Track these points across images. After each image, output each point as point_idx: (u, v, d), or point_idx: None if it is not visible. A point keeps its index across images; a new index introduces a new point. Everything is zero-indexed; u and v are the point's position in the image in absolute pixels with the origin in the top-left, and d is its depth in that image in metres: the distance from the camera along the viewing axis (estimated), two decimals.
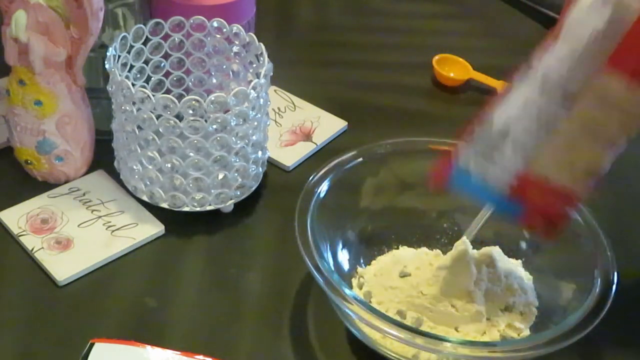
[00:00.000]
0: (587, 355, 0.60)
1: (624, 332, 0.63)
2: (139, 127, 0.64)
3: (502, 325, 0.57)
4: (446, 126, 0.83)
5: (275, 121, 0.80)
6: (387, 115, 0.84)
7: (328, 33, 0.96)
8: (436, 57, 0.89)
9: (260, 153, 0.68)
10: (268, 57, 0.66)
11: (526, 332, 0.58)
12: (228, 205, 0.68)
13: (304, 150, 0.76)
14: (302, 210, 0.58)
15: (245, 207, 0.69)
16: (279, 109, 0.81)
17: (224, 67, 0.73)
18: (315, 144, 0.77)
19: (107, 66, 0.64)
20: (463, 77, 0.89)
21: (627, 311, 0.63)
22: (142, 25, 0.68)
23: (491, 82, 0.88)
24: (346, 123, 0.80)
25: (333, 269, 0.57)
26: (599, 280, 0.55)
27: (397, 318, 0.57)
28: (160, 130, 0.62)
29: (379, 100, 0.86)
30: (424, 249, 0.64)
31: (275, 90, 0.83)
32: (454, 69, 0.89)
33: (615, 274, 0.56)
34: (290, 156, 0.75)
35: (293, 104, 0.82)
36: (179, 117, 0.62)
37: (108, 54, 0.64)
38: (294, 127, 0.79)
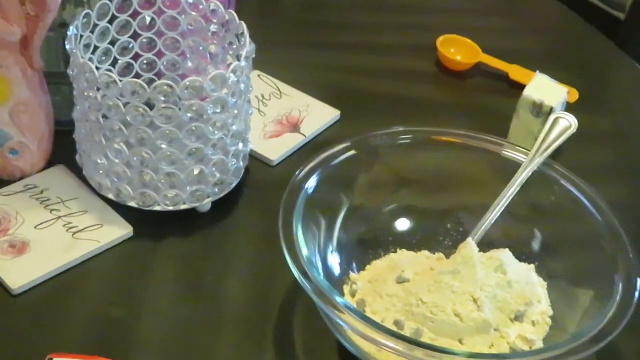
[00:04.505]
0: None
1: None
2: (104, 116, 0.64)
3: (512, 337, 0.58)
4: (452, 115, 0.85)
5: (259, 110, 0.81)
6: (385, 103, 0.85)
7: (320, 11, 0.97)
8: (441, 39, 0.90)
9: (241, 145, 0.69)
10: (251, 37, 0.67)
11: (539, 345, 0.59)
12: (205, 204, 0.69)
13: (291, 142, 0.77)
14: (288, 208, 0.59)
15: (224, 206, 0.70)
16: (263, 96, 0.82)
17: (201, 48, 0.74)
18: (304, 135, 0.78)
19: (67, 47, 0.65)
20: (471, 61, 0.90)
21: None
22: (107, 2, 0.69)
23: (503, 66, 0.89)
24: (339, 112, 0.81)
25: (322, 274, 0.58)
26: (621, 285, 0.56)
27: (394, 329, 0.58)
28: (128, 119, 0.63)
29: (376, 86, 0.87)
30: (425, 253, 0.65)
31: (259, 76, 0.84)
32: (460, 51, 0.90)
33: (639, 279, 0.57)
34: (276, 149, 0.76)
35: (279, 90, 0.83)
36: (150, 105, 0.63)
37: (69, 33, 0.65)
38: (280, 117, 0.80)
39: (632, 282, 0.56)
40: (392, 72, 0.89)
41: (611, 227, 0.61)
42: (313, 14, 0.96)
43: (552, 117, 0.67)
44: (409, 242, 0.66)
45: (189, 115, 0.64)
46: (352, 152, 0.64)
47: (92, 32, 0.68)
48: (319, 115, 0.81)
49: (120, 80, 0.62)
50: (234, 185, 0.70)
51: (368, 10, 0.98)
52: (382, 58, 0.91)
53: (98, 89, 0.63)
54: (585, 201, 0.62)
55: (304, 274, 0.55)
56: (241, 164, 0.70)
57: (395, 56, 0.91)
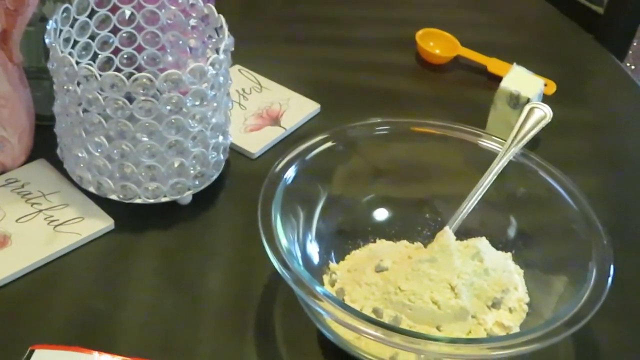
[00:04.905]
0: (583, 350, 0.62)
1: (623, 326, 0.65)
2: (84, 110, 0.65)
3: (489, 324, 0.59)
4: (431, 108, 0.86)
5: (240, 104, 0.81)
6: (365, 96, 0.85)
7: (300, 6, 0.98)
8: (420, 32, 0.91)
9: (221, 138, 0.70)
10: (231, 32, 0.68)
11: (516, 331, 0.60)
12: (185, 197, 0.69)
13: (271, 135, 0.78)
14: (266, 199, 0.59)
15: (205, 198, 0.71)
16: (243, 90, 0.83)
17: (181, 42, 0.74)
18: (284, 128, 0.79)
19: (46, 41, 0.65)
20: (450, 54, 0.91)
21: (627, 305, 0.66)
22: None
23: (481, 59, 0.90)
24: (319, 105, 0.82)
25: (302, 264, 0.58)
26: (594, 271, 0.57)
27: (373, 316, 0.58)
28: (108, 111, 0.64)
29: (356, 80, 0.87)
30: (404, 242, 0.66)
31: (239, 70, 0.85)
32: (439, 45, 0.91)
33: (612, 266, 0.58)
34: (256, 142, 0.77)
35: (259, 84, 0.84)
36: (130, 99, 0.63)
37: (48, 27, 0.65)
38: (260, 111, 0.81)
39: (605, 268, 0.57)
40: (371, 65, 0.90)
41: (585, 214, 0.62)
42: (293, 9, 0.97)
43: (527, 108, 0.68)
44: (388, 232, 0.67)
45: (168, 107, 0.64)
46: (330, 143, 0.65)
47: (72, 26, 0.69)
48: (299, 109, 0.81)
49: (100, 74, 0.62)
50: (215, 177, 0.71)
51: (348, 5, 0.99)
52: (362, 52, 0.91)
53: (78, 83, 0.64)
54: (560, 189, 0.63)
55: (284, 264, 0.56)
56: (221, 156, 0.71)
57: (375, 50, 0.92)
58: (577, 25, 1.02)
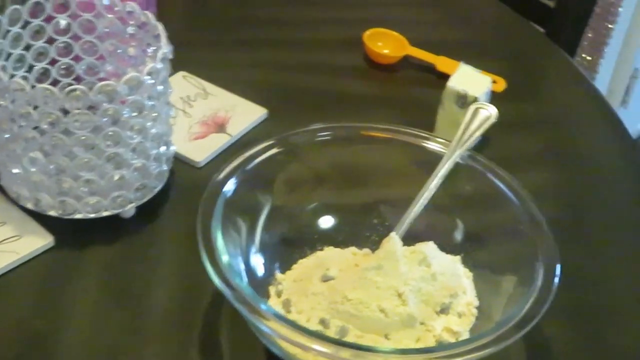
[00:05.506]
0: (534, 350, 0.62)
1: (574, 324, 0.65)
2: (18, 125, 0.63)
3: (438, 330, 0.58)
4: (381, 109, 0.85)
5: (184, 111, 0.79)
6: (314, 99, 0.84)
7: (244, 9, 0.96)
8: (367, 32, 0.90)
9: (163, 148, 0.68)
10: (175, 36, 0.66)
11: (465, 336, 0.59)
12: (128, 210, 0.67)
13: (216, 143, 0.76)
14: (206, 213, 0.58)
15: (148, 210, 0.69)
16: (188, 97, 0.81)
17: (119, 51, 0.73)
18: (230, 135, 0.77)
19: None
20: (399, 54, 0.90)
21: (577, 302, 0.66)
22: (18, 7, 0.67)
23: (431, 58, 0.89)
24: (266, 111, 0.80)
25: (245, 276, 0.57)
26: (541, 272, 0.57)
27: (320, 328, 0.57)
28: (42, 126, 0.62)
29: (304, 83, 0.86)
30: (352, 249, 0.65)
31: (184, 76, 0.83)
32: (388, 44, 0.90)
33: (558, 265, 0.57)
34: (201, 151, 0.75)
35: (204, 90, 0.82)
36: (67, 112, 0.62)
37: None
38: (205, 118, 0.79)
39: (551, 268, 0.57)
40: (319, 67, 0.88)
41: (531, 215, 0.61)
42: (238, 12, 0.95)
43: (471, 108, 0.67)
44: (335, 239, 0.65)
45: (105, 119, 0.62)
46: (272, 151, 0.63)
47: (4, 37, 0.67)
48: (246, 115, 0.80)
49: (33, 87, 0.60)
50: (158, 189, 0.69)
51: (294, 6, 0.97)
52: (309, 54, 0.90)
53: (13, 101, 0.62)
54: (506, 190, 0.63)
55: (225, 282, 0.54)
56: (164, 167, 0.69)
57: (322, 51, 0.91)
58: (527, 21, 1.01)
